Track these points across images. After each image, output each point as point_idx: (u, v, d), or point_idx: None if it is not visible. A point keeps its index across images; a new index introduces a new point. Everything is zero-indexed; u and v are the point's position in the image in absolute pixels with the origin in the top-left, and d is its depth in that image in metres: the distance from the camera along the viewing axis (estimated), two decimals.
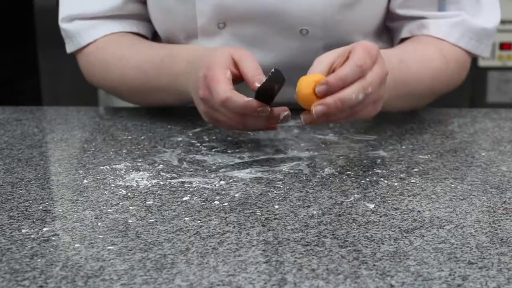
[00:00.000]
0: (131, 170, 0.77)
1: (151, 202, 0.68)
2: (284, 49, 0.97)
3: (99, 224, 0.62)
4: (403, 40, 1.01)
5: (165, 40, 1.04)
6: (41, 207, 0.67)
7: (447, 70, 0.97)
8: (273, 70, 0.74)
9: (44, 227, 0.62)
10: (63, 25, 1.04)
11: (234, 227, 0.61)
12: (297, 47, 0.96)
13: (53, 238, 0.59)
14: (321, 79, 0.71)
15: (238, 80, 0.80)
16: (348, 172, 0.76)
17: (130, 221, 0.63)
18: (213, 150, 0.84)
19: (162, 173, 0.76)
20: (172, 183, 0.73)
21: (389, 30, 1.05)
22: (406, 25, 1.00)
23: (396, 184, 0.72)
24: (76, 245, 0.58)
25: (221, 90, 0.77)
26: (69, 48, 1.05)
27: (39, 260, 0.55)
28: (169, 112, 1.02)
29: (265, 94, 0.75)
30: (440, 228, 0.61)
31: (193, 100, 0.86)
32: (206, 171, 0.77)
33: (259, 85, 0.75)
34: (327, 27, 0.94)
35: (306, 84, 0.72)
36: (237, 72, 0.80)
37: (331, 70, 0.75)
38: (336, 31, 0.95)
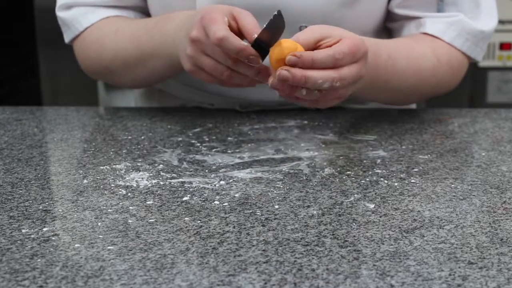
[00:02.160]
0: (131, 170, 0.77)
1: (151, 202, 0.68)
2: None
3: (99, 224, 0.62)
4: None
5: None
6: (41, 207, 0.67)
7: (438, 71, 0.97)
8: (275, 13, 0.74)
9: (44, 227, 0.62)
10: (60, 13, 1.03)
11: (234, 227, 0.61)
12: None
13: (53, 238, 0.59)
14: (297, 50, 0.74)
15: (235, 34, 0.80)
16: (348, 172, 0.76)
17: (130, 221, 0.63)
18: (213, 150, 0.84)
19: (162, 173, 0.76)
20: (172, 183, 0.73)
21: (389, 32, 1.05)
22: (405, 25, 1.00)
23: (396, 184, 0.72)
24: (76, 245, 0.58)
25: (218, 29, 0.77)
26: (67, 37, 1.04)
27: (39, 260, 0.55)
28: (169, 112, 1.02)
29: (261, 47, 0.76)
30: (440, 228, 0.61)
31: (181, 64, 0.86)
32: (206, 171, 0.77)
33: (257, 35, 0.76)
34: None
35: (282, 49, 0.74)
36: (235, 25, 0.80)
37: (316, 45, 0.77)
38: None
